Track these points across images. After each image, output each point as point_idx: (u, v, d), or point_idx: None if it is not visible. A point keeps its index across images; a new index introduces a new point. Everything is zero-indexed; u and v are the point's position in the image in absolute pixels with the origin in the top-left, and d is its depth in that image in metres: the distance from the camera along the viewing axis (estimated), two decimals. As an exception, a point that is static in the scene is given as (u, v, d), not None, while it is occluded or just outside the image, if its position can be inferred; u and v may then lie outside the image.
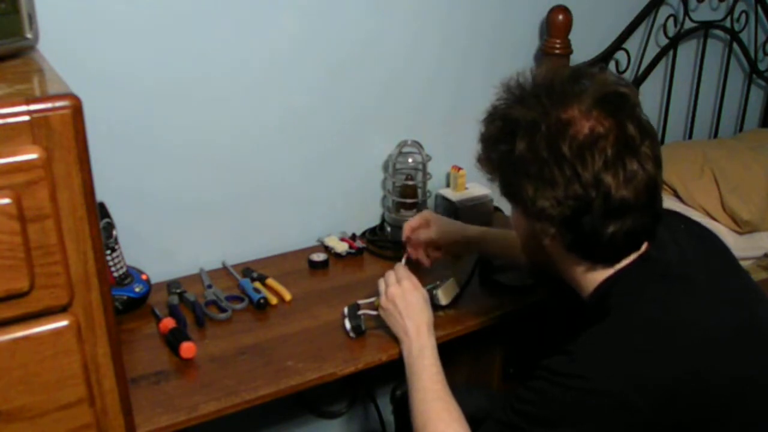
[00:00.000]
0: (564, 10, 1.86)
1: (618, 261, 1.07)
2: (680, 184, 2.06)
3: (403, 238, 1.54)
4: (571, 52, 1.90)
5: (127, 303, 1.47)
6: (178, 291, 1.55)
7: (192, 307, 1.49)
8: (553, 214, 1.01)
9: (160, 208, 1.60)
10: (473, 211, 1.85)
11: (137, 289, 1.48)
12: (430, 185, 1.85)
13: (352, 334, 1.41)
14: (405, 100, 1.84)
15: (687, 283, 1.06)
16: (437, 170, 1.90)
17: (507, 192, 1.08)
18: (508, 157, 1.03)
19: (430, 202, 1.90)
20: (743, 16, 2.31)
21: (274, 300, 1.53)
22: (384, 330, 1.40)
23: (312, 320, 1.48)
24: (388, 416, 1.81)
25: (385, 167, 1.85)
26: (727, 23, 2.28)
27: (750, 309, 1.09)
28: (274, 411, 1.86)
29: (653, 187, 1.02)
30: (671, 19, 2.16)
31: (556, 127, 0.99)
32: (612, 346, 1.00)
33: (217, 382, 1.29)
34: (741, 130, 2.54)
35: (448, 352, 1.32)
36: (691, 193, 2.04)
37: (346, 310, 1.43)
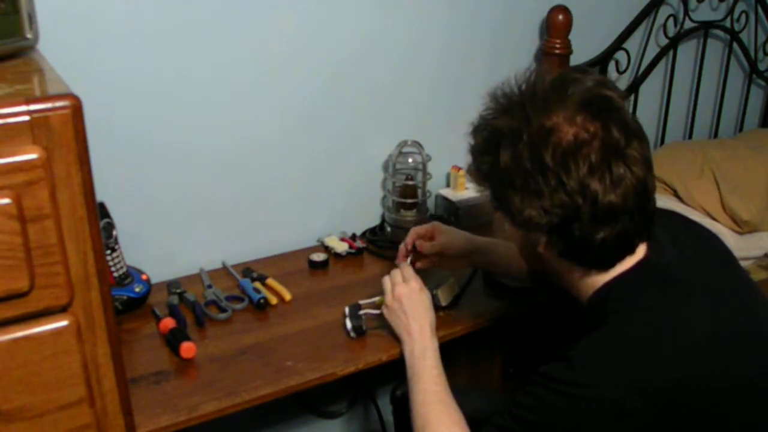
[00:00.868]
0: (564, 10, 1.86)
1: (612, 265, 1.06)
2: (680, 184, 2.06)
3: (407, 241, 1.50)
4: (571, 52, 1.90)
5: (127, 303, 1.47)
6: (178, 291, 1.55)
7: (192, 307, 1.49)
8: (542, 223, 1.01)
9: (160, 208, 1.60)
10: (473, 211, 1.85)
11: (137, 289, 1.48)
12: (430, 185, 1.85)
13: (352, 334, 1.41)
14: (405, 100, 1.84)
15: (686, 285, 1.05)
16: (437, 170, 1.90)
17: (496, 203, 1.08)
18: (494, 168, 1.03)
19: (430, 202, 1.90)
20: (743, 16, 2.31)
21: (274, 300, 1.53)
22: (384, 330, 1.40)
23: (312, 320, 1.48)
24: (388, 416, 1.81)
25: (385, 167, 1.85)
26: (727, 23, 2.28)
27: (750, 310, 1.08)
28: (274, 411, 1.86)
29: (643, 189, 1.00)
30: (671, 19, 2.16)
31: (539, 135, 0.98)
32: (609, 353, 1.00)
33: (217, 382, 1.29)
34: (741, 130, 2.54)
35: (448, 353, 1.32)
36: (691, 193, 2.04)
37: (347, 309, 1.43)
